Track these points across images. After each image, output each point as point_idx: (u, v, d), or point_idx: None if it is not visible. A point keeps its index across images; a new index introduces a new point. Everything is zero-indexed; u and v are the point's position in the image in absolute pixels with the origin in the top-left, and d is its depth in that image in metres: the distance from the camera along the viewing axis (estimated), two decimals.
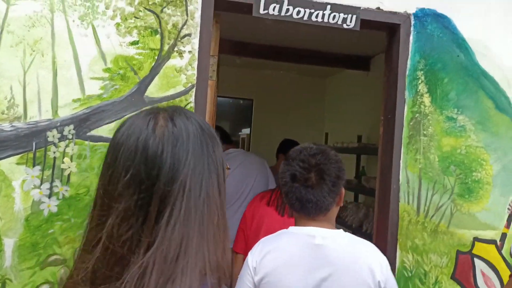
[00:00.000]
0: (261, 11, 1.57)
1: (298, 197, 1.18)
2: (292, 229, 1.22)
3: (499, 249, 1.84)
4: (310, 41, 4.18)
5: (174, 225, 0.53)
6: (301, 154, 1.22)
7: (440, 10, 1.78)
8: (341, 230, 1.20)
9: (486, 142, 1.83)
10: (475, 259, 1.82)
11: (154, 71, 1.46)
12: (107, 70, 1.44)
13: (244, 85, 5.45)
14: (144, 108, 0.66)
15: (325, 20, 1.65)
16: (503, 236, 1.85)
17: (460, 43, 1.80)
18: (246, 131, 5.67)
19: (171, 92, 1.48)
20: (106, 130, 1.43)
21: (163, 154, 0.56)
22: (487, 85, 1.83)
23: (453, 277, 1.80)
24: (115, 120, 1.43)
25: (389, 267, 1.17)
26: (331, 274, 1.12)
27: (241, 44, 4.22)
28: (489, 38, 1.82)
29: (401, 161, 1.75)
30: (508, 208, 1.85)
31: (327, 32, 4.00)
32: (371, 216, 3.45)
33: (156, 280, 0.51)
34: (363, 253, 1.17)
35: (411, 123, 1.76)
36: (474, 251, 1.82)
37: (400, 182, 1.75)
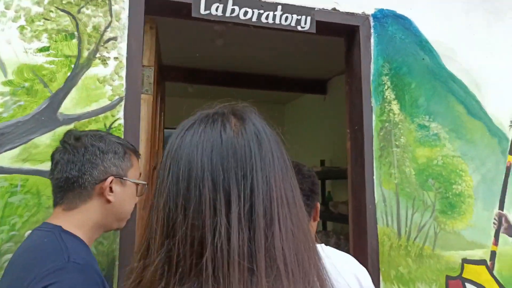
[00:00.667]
0: (202, 12, 1.35)
1: None
2: None
3: (490, 270, 1.63)
4: (266, 66, 4.04)
5: (286, 234, 0.49)
6: None
7: (400, 11, 1.64)
8: (322, 244, 1.07)
9: (462, 150, 1.66)
10: (467, 284, 1.59)
11: (70, 83, 1.18)
12: (7, 83, 1.13)
13: None
14: (185, 121, 0.60)
15: (277, 21, 1.45)
16: (493, 254, 1.65)
17: (424, 45, 1.66)
18: None
19: (94, 107, 1.19)
20: (7, 158, 1.11)
21: (252, 157, 0.51)
22: (456, 89, 1.68)
23: None
24: (20, 145, 1.12)
25: (370, 279, 1.10)
26: None
27: (193, 71, 4.00)
28: (454, 40, 1.70)
29: (374, 177, 1.53)
30: (494, 223, 1.66)
31: (284, 56, 3.89)
32: (343, 244, 3.20)
33: None
34: (348, 264, 1.11)
35: (381, 134, 1.56)
36: (464, 275, 1.60)
37: (376, 201, 1.52)
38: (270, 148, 0.55)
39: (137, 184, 0.99)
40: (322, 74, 4.28)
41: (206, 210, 0.48)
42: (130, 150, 0.97)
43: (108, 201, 0.92)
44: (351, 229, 1.61)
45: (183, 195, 0.50)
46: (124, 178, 0.94)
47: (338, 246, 3.24)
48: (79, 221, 0.89)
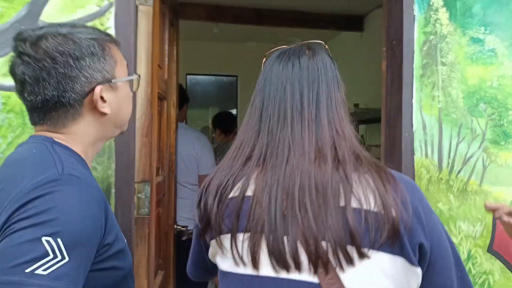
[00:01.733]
0: None
1: None
2: None
3: None
4: (296, 3, 3.70)
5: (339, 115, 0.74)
6: None
7: None
8: None
9: None
10: None
11: None
12: None
13: (227, 60, 4.96)
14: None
15: None
16: None
17: None
18: (232, 111, 5.21)
19: (79, 13, 1.03)
20: None
21: (319, 72, 0.75)
22: None
23: (490, 250, 1.37)
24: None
25: None
26: None
27: (218, 8, 3.73)
28: None
29: (413, 100, 1.30)
30: None
31: None
32: None
33: None
34: None
35: (424, 49, 1.31)
36: None
37: (414, 129, 1.30)
38: (330, 69, 0.76)
39: (129, 81, 0.84)
40: (357, 9, 3.88)
41: (287, 99, 0.72)
42: (108, 41, 0.78)
43: (103, 114, 0.77)
44: (383, 158, 1.41)
45: (273, 94, 0.74)
46: (113, 80, 0.78)
47: None
48: (73, 139, 0.76)
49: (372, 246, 0.62)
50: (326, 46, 0.83)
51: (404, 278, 0.64)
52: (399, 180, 0.68)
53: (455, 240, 1.33)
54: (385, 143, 1.39)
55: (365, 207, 0.63)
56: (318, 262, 0.63)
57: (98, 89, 0.75)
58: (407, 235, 0.63)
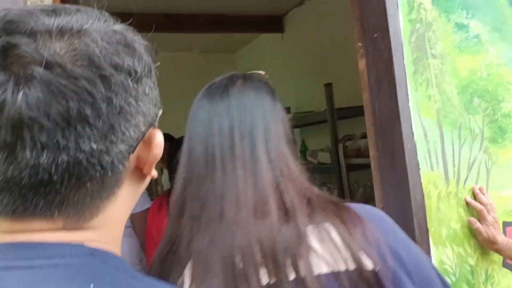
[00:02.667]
0: None
1: None
2: None
3: None
4: (208, 4, 3.39)
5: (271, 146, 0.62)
6: None
7: None
8: None
9: (507, 56, 1.23)
10: None
11: None
12: None
13: None
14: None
15: None
16: None
17: None
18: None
19: None
20: None
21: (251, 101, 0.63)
22: None
23: (504, 264, 1.19)
24: None
25: None
26: None
27: (122, 15, 3.25)
28: None
29: (410, 104, 1.07)
30: None
31: None
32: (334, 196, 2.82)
33: None
34: None
35: (412, 40, 1.08)
36: None
37: (415, 138, 1.07)
38: (268, 98, 0.64)
39: None
40: (276, 8, 3.70)
41: (215, 135, 0.60)
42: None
43: (144, 176, 0.43)
44: (378, 183, 1.16)
45: (199, 132, 0.63)
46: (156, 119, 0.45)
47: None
48: (105, 235, 0.39)
49: None
50: (266, 76, 0.73)
51: None
52: (365, 216, 0.57)
53: (471, 261, 1.13)
54: (379, 158, 1.14)
55: (333, 269, 0.51)
56: None
57: (156, 135, 0.42)
58: None
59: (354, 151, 2.40)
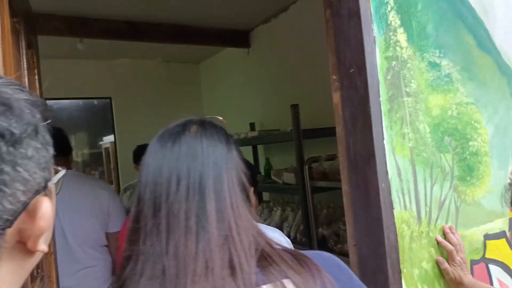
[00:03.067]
0: None
1: None
2: None
3: (510, 242, 1.31)
4: (176, 15, 3.30)
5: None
6: None
7: None
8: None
9: (475, 95, 1.25)
10: (490, 266, 1.25)
11: None
12: None
13: (97, 81, 4.25)
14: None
15: None
16: (511, 222, 1.32)
17: None
18: (109, 138, 4.48)
19: None
20: None
21: (203, 148, 0.60)
22: (465, 13, 1.25)
23: None
24: None
25: None
26: None
27: (81, 20, 3.08)
28: None
29: (385, 142, 1.05)
30: (510, 183, 1.32)
31: (198, 3, 3.18)
32: (290, 217, 2.80)
33: None
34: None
35: (388, 77, 1.07)
36: (487, 255, 1.25)
37: (389, 177, 1.05)
38: (221, 145, 0.61)
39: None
40: (243, 23, 3.67)
41: (163, 185, 0.56)
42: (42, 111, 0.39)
43: (32, 253, 0.38)
44: (350, 219, 1.12)
45: (149, 180, 0.58)
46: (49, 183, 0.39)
47: (286, 220, 2.83)
48: None
49: None
50: (224, 121, 0.70)
51: None
52: (323, 266, 0.56)
53: None
54: (352, 194, 1.11)
55: None
56: None
57: (42, 203, 0.37)
58: None
59: (320, 174, 2.38)
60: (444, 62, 1.18)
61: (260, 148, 3.74)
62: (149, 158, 0.61)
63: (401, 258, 1.05)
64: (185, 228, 0.54)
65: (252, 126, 3.75)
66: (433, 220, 1.12)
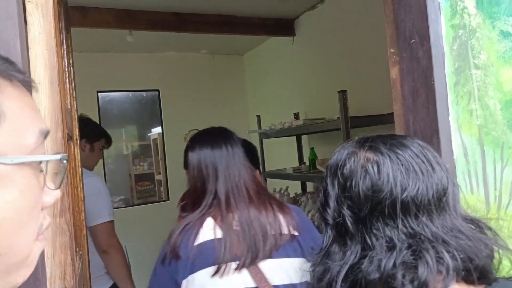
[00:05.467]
0: None
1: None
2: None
3: None
4: (221, 6, 3.28)
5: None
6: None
7: None
8: None
9: None
10: None
11: None
12: None
13: (145, 74, 4.36)
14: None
15: None
16: None
17: None
18: (157, 130, 4.59)
19: None
20: None
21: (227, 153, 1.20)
22: None
23: None
24: None
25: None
26: None
27: (129, 13, 3.15)
28: None
29: (450, 118, 0.95)
30: None
31: None
32: None
33: None
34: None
35: (454, 48, 0.97)
36: None
37: (455, 157, 0.96)
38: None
39: (39, 162, 0.37)
40: (287, 12, 3.60)
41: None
42: None
43: None
44: None
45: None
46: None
47: None
48: None
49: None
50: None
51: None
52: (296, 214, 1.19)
53: None
54: None
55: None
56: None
57: None
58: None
59: None
60: None
61: (304, 138, 3.67)
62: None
63: None
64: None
65: (296, 116, 3.68)
66: (503, 205, 1.02)
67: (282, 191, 3.27)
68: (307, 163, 3.31)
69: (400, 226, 0.57)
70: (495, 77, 1.02)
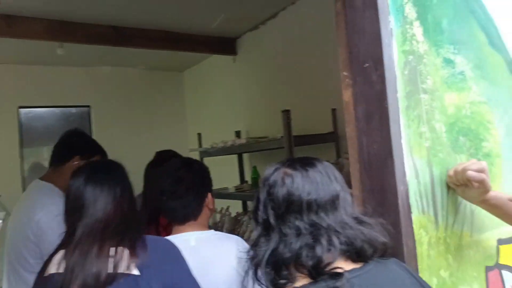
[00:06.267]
0: None
1: (170, 208, 1.42)
2: (174, 237, 1.36)
3: None
4: (161, 21, 3.20)
5: None
6: (168, 170, 1.50)
7: None
8: (212, 230, 1.43)
9: (487, 95, 1.20)
10: (503, 272, 1.19)
11: None
12: None
13: (75, 89, 4.08)
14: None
15: None
16: None
17: None
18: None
19: None
20: None
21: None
22: (477, 9, 1.21)
23: None
24: None
25: None
26: (207, 270, 1.27)
27: (63, 24, 2.94)
28: None
29: (403, 141, 0.98)
30: None
31: (185, 9, 3.09)
32: None
33: None
34: (231, 245, 1.36)
35: (405, 73, 1.00)
36: (500, 261, 1.19)
37: (407, 179, 0.98)
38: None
39: None
40: (230, 30, 3.60)
41: None
42: None
43: None
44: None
45: None
46: None
47: None
48: None
49: None
50: None
51: None
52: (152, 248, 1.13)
53: None
54: (365, 199, 1.03)
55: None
56: None
57: None
58: None
59: None
60: (458, 59, 1.13)
61: (245, 156, 3.65)
62: None
63: (419, 266, 0.98)
64: None
65: (238, 134, 3.66)
66: (449, 225, 1.06)
67: (223, 211, 3.19)
68: (249, 182, 3.29)
69: (305, 219, 0.79)
70: (440, 101, 1.08)
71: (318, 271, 0.75)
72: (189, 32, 3.42)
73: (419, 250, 0.98)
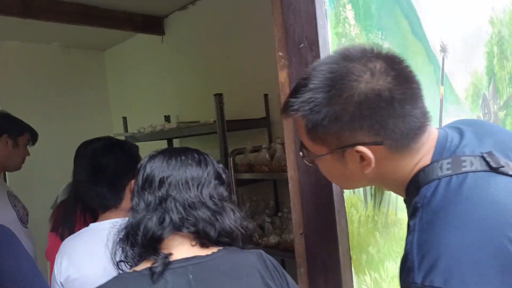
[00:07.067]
0: None
1: (87, 197, 1.35)
2: (93, 225, 1.32)
3: None
4: None
5: None
6: (83, 157, 1.42)
7: None
8: None
9: None
10: None
11: None
12: None
13: None
14: None
15: None
16: None
17: None
18: None
19: None
20: None
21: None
22: None
23: None
24: None
25: None
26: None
27: None
28: None
29: None
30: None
31: None
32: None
33: None
34: None
35: None
36: None
37: None
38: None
39: None
40: (157, 9, 3.43)
41: None
42: None
43: None
44: (297, 207, 1.05)
45: None
46: None
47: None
48: None
49: None
50: None
51: None
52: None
53: (385, 286, 1.11)
54: (300, 179, 1.04)
55: None
56: None
57: None
58: None
59: (245, 166, 2.30)
60: (385, 45, 1.17)
61: (176, 142, 3.54)
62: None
63: (350, 244, 1.01)
64: None
65: (167, 119, 3.53)
66: (377, 204, 1.11)
67: None
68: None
69: (156, 193, 0.93)
70: None
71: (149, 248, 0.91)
72: (110, 8, 3.18)
73: (350, 228, 1.01)
